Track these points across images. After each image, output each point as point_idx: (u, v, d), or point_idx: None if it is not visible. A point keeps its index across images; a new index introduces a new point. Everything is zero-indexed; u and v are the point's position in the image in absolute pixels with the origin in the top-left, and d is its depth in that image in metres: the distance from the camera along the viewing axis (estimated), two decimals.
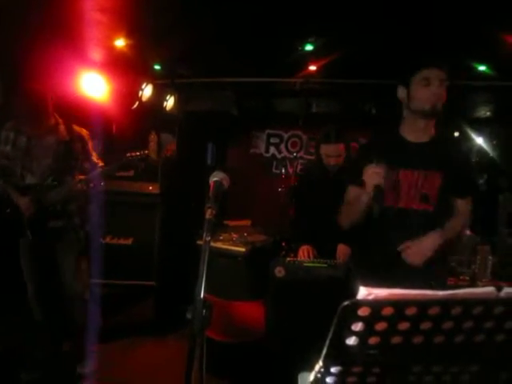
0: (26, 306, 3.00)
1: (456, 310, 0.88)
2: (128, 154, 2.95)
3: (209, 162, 5.11)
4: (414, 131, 1.98)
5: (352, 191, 2.00)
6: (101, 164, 3.00)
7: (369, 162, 1.81)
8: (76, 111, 3.11)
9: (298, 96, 4.68)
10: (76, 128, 3.00)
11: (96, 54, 3.47)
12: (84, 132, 3.03)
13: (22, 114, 2.83)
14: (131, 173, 4.15)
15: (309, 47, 3.61)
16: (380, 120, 4.58)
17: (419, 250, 1.87)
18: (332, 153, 2.89)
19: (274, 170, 5.15)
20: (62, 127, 2.95)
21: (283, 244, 3.51)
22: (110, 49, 3.52)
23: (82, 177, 2.89)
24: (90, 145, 3.05)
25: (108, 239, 4.06)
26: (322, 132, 2.97)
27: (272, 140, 5.17)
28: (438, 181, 1.92)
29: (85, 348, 2.91)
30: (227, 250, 3.48)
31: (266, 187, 4.88)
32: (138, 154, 2.96)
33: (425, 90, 1.88)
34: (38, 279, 2.94)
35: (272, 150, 5.17)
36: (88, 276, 3.29)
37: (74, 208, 3.00)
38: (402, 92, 1.96)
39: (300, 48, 3.62)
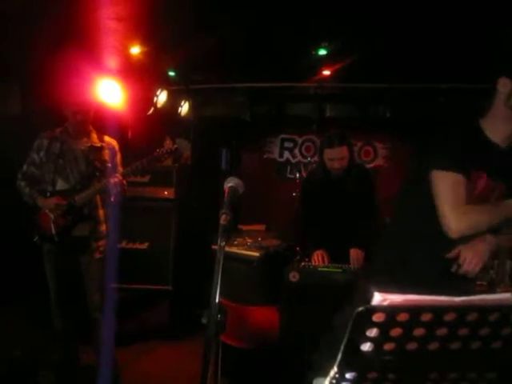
0: (44, 310, 3.04)
1: (472, 317, 0.87)
2: (158, 150, 3.03)
3: (223, 166, 5.13)
4: (502, 133, 1.74)
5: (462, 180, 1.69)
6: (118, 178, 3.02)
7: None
8: (93, 118, 3.15)
9: (311, 100, 4.68)
10: (107, 138, 3.08)
11: (112, 61, 3.51)
12: (114, 143, 3.10)
13: (72, 123, 2.93)
14: (147, 178, 4.19)
15: (322, 52, 3.61)
16: (394, 123, 4.55)
17: (475, 254, 1.69)
18: (336, 156, 2.94)
19: (288, 175, 5.15)
20: (94, 135, 3.04)
21: (297, 249, 3.50)
22: (126, 56, 3.57)
23: (112, 180, 2.92)
24: (119, 157, 3.11)
25: (124, 244, 4.09)
26: (325, 137, 3.02)
27: (286, 145, 5.17)
28: (502, 191, 1.77)
29: (100, 352, 2.93)
30: (242, 254, 3.48)
31: (281, 192, 4.88)
32: (166, 149, 3.07)
33: None
34: (61, 288, 2.96)
35: (286, 154, 5.17)
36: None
37: (102, 215, 3.04)
38: (505, 84, 1.68)
39: (313, 52, 3.63)
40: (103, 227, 3.05)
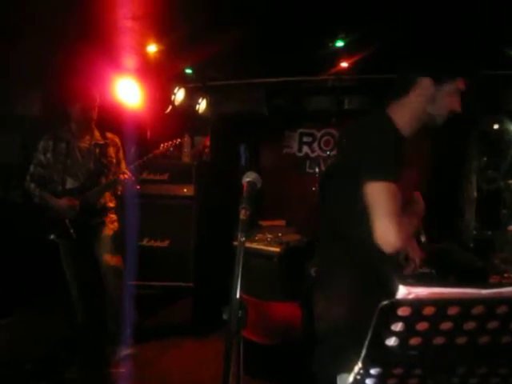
0: (67, 307, 3.09)
1: (501, 309, 0.84)
2: (162, 144, 3.18)
3: (242, 163, 5.12)
4: (410, 129, 1.66)
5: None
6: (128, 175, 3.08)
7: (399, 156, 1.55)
8: (111, 118, 3.19)
9: (330, 93, 4.63)
10: (109, 134, 3.13)
11: (129, 60, 3.54)
12: (117, 139, 3.16)
13: (78, 121, 2.99)
14: (166, 176, 4.22)
15: (339, 43, 3.56)
16: None
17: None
18: None
19: (307, 170, 5.11)
20: (96, 132, 3.09)
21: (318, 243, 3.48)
22: (143, 55, 3.59)
23: (121, 176, 2.98)
24: (122, 153, 3.17)
25: (145, 242, 4.13)
26: (342, 131, 2.97)
27: (305, 139, 5.13)
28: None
29: (121, 333, 2.97)
30: (262, 250, 3.47)
31: (300, 187, 4.85)
32: (170, 142, 3.22)
33: (452, 100, 1.62)
34: (82, 281, 3.03)
35: (305, 149, 5.13)
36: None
37: (112, 206, 3.12)
38: (428, 87, 1.62)
39: (330, 44, 3.58)
40: (115, 216, 3.17)
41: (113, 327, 3.07)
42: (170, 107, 4.15)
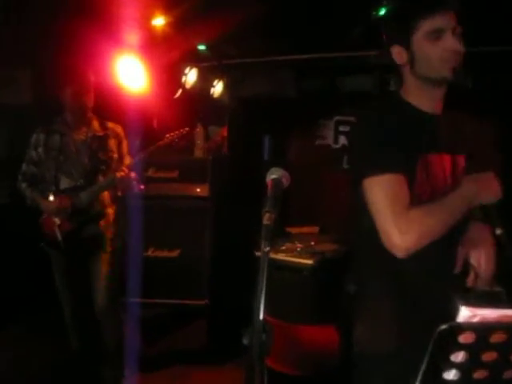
0: (58, 328, 3.14)
1: None
2: (167, 135, 3.20)
3: (266, 157, 5.11)
4: (426, 99, 1.67)
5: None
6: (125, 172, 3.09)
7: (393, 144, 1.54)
8: (110, 104, 3.22)
9: (372, 72, 4.58)
10: (110, 124, 3.15)
11: (132, 36, 3.57)
12: (119, 129, 3.19)
13: (71, 109, 3.03)
14: (175, 173, 4.25)
15: (383, 12, 3.52)
16: (475, 95, 4.38)
17: (483, 251, 1.54)
18: None
19: (345, 165, 5.07)
20: (95, 122, 3.11)
21: None
22: (148, 29, 3.62)
23: (118, 174, 3.01)
24: (125, 146, 3.19)
25: (150, 252, 4.17)
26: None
27: (342, 128, 5.09)
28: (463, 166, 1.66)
29: (122, 373, 3.00)
30: (291, 262, 3.47)
31: (336, 186, 4.80)
32: (177, 132, 3.23)
33: (435, 47, 1.58)
34: (74, 299, 3.07)
35: (342, 140, 5.09)
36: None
37: (111, 212, 3.13)
38: (399, 54, 1.64)
39: (373, 13, 3.54)
40: (114, 227, 3.15)
41: (113, 354, 3.10)
42: (180, 91, 4.18)
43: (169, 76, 4.17)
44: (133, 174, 3.10)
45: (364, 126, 1.66)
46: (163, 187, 4.22)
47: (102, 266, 3.07)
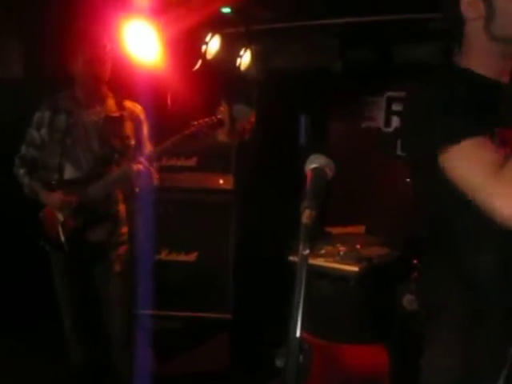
0: (56, 341, 3.20)
1: None
2: (195, 123, 3.12)
3: (302, 142, 5.11)
4: (497, 67, 1.65)
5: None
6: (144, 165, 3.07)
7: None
8: (116, 78, 3.23)
9: (432, 40, 4.52)
10: (128, 103, 3.14)
11: None
12: (138, 109, 3.17)
13: (83, 83, 3.03)
14: (193, 161, 4.27)
15: None
16: None
17: None
18: None
19: (398, 152, 5.03)
20: (110, 100, 3.11)
21: (415, 261, 3.43)
22: None
23: (134, 165, 2.99)
24: (146, 128, 3.18)
25: (163, 255, 4.21)
26: None
27: (395, 107, 5.04)
28: None
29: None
30: (332, 269, 3.47)
31: (387, 176, 4.78)
32: (206, 120, 3.15)
33: None
34: (77, 308, 3.11)
35: (395, 121, 5.04)
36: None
37: (123, 212, 3.14)
38: (472, 5, 1.60)
39: None
40: (125, 229, 3.15)
41: (120, 372, 3.15)
42: (200, 63, 4.18)
43: (186, 45, 4.18)
44: (153, 167, 3.09)
45: (423, 97, 1.64)
46: (178, 178, 4.25)
47: (113, 288, 3.08)
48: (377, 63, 4.83)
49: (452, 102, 1.53)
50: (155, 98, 3.62)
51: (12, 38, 4.33)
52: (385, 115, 5.08)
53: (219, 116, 3.22)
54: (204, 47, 4.17)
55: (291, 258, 3.60)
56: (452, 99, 1.54)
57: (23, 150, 3.12)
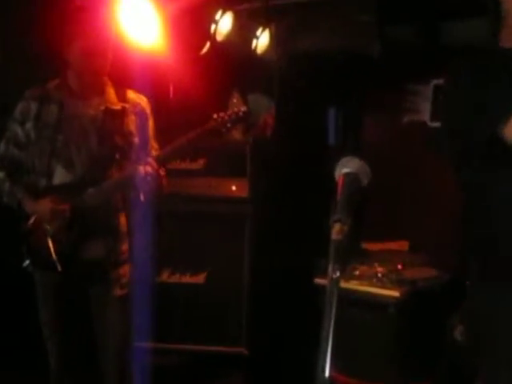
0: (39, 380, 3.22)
1: None
2: (215, 116, 3.04)
3: (331, 140, 5.11)
4: None
5: None
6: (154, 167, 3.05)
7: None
8: (114, 64, 3.25)
9: (488, 15, 4.51)
10: (131, 94, 3.15)
11: None
12: (144, 101, 3.18)
13: (79, 71, 3.03)
14: (201, 164, 4.28)
15: None
16: None
17: None
18: None
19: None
20: (110, 90, 3.12)
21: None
22: None
23: (140, 168, 2.99)
24: (152, 125, 3.19)
25: (165, 276, 4.23)
26: None
27: None
28: None
29: None
30: (369, 294, 3.48)
31: (436, 181, 4.77)
32: (230, 113, 3.07)
33: None
34: (66, 344, 3.12)
35: None
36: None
37: (124, 225, 3.15)
38: None
39: None
40: (126, 245, 3.16)
41: None
42: (208, 45, 4.20)
43: (192, 24, 4.19)
44: (162, 171, 3.08)
45: (467, 78, 1.86)
46: (183, 184, 4.26)
47: (111, 315, 3.07)
48: (422, 44, 4.83)
49: (496, 80, 1.73)
50: (154, 88, 3.63)
51: None
52: (431, 107, 5.08)
53: (244, 108, 3.16)
54: (213, 27, 4.19)
55: (318, 281, 3.60)
56: (496, 78, 1.73)
57: (2, 148, 3.10)
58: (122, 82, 3.26)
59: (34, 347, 3.18)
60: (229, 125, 3.07)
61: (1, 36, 4.31)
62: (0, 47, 4.29)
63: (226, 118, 3.05)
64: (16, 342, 3.84)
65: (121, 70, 3.35)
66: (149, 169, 2.94)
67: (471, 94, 1.77)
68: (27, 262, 3.06)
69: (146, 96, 3.25)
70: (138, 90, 3.26)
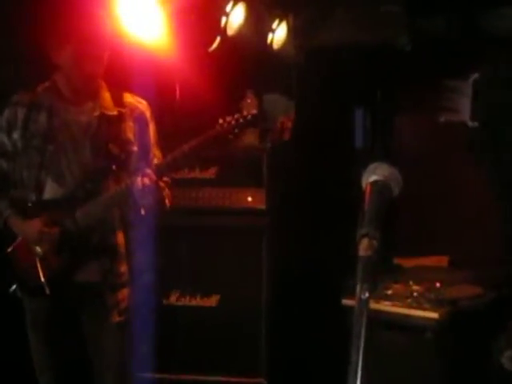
0: None
1: None
2: (220, 121, 3.02)
3: (358, 144, 5.11)
4: None
5: None
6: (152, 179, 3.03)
7: None
8: (110, 64, 3.27)
9: None
10: (129, 98, 3.17)
11: None
12: (143, 105, 3.19)
13: (72, 76, 3.04)
14: (212, 173, 4.29)
15: None
16: None
17: None
18: None
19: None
20: (105, 94, 3.14)
21: None
22: None
23: (138, 180, 2.98)
24: (153, 130, 3.20)
25: (173, 299, 4.24)
26: None
27: None
28: None
29: None
30: (403, 316, 3.48)
31: (478, 189, 4.76)
32: (237, 117, 3.03)
33: None
34: (60, 372, 3.14)
35: None
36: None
37: (122, 243, 3.16)
38: None
39: None
40: (125, 266, 3.17)
41: None
42: (218, 40, 4.22)
43: (200, 17, 4.21)
44: (163, 182, 3.08)
45: None
46: (192, 195, 4.28)
47: (108, 344, 3.08)
48: (458, 36, 4.83)
49: None
50: (158, 90, 3.65)
51: None
52: (471, 105, 5.07)
53: (253, 111, 3.15)
54: (224, 19, 4.20)
55: (346, 302, 3.59)
56: None
57: None
58: (122, 85, 3.27)
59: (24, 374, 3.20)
60: (236, 130, 3.03)
61: None
62: None
63: (233, 122, 3.01)
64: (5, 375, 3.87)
65: (120, 71, 3.38)
66: (146, 180, 2.92)
67: None
68: (14, 286, 3.07)
69: (149, 99, 3.25)
70: (140, 93, 3.27)
